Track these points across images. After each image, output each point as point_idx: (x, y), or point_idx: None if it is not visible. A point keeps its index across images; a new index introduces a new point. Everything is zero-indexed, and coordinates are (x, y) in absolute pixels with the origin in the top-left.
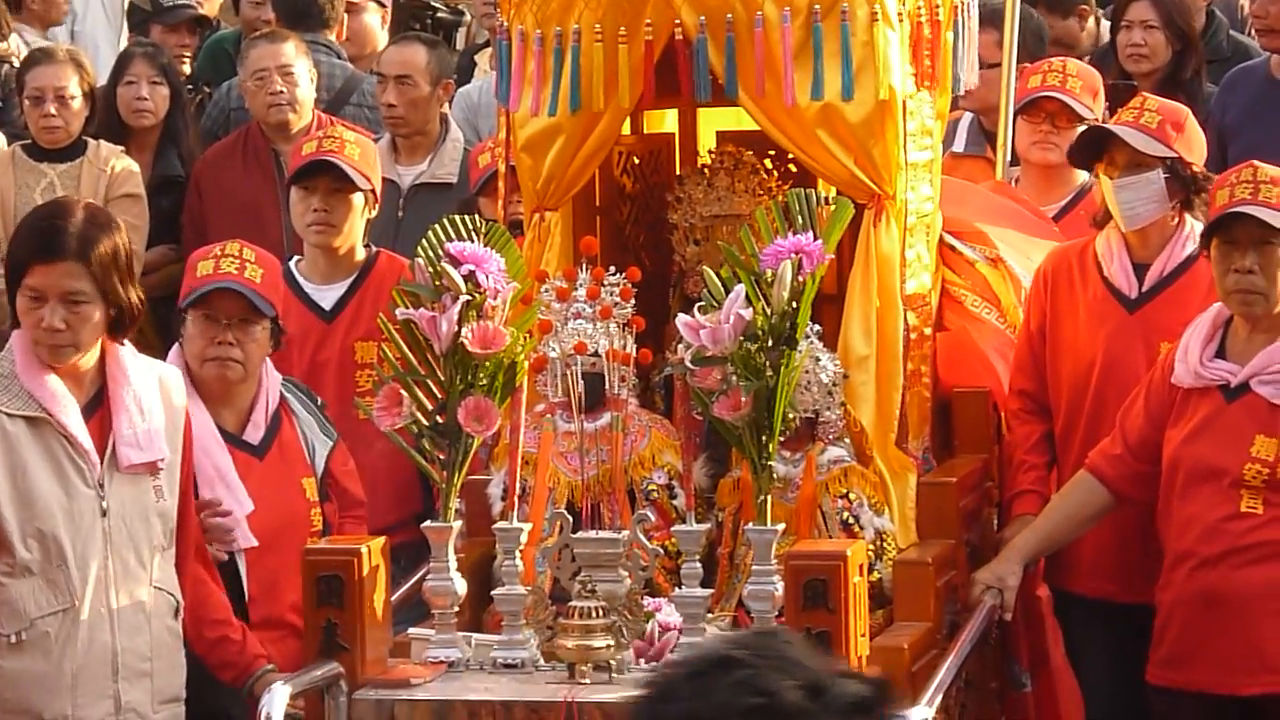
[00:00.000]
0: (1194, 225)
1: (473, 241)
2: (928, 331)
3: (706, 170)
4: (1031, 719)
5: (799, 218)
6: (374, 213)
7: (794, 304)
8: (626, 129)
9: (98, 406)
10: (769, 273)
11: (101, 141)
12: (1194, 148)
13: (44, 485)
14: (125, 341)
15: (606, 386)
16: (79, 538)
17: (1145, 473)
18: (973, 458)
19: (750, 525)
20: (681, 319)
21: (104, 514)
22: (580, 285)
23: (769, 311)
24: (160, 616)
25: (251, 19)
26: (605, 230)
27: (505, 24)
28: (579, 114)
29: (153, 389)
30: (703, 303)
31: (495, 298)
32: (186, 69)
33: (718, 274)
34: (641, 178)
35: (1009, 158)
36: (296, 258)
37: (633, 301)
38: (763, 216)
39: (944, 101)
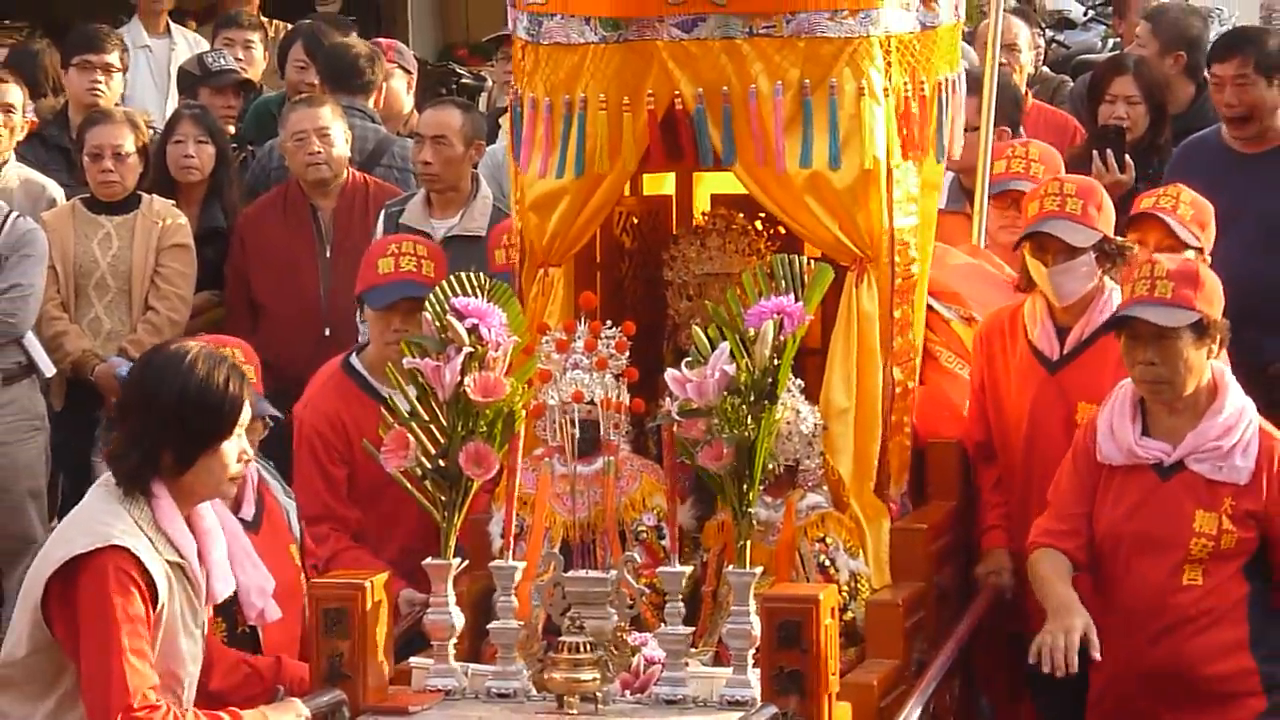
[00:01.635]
0: (1113, 290)
1: (477, 297)
2: (910, 385)
3: (699, 231)
4: None
5: (783, 280)
6: None
7: (775, 361)
8: (627, 191)
9: None
10: (752, 331)
11: (154, 196)
12: (1110, 220)
13: (180, 629)
14: None
15: (601, 433)
16: (190, 670)
17: (1085, 543)
18: (944, 504)
19: (730, 568)
20: (670, 373)
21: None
22: (579, 338)
23: (751, 368)
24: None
25: (296, 82)
26: (605, 285)
27: (519, 91)
28: (583, 177)
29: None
30: (690, 358)
31: (496, 350)
32: (231, 129)
33: (705, 331)
34: (640, 237)
35: (984, 221)
36: (357, 353)
37: (627, 354)
38: (748, 279)
39: (932, 170)
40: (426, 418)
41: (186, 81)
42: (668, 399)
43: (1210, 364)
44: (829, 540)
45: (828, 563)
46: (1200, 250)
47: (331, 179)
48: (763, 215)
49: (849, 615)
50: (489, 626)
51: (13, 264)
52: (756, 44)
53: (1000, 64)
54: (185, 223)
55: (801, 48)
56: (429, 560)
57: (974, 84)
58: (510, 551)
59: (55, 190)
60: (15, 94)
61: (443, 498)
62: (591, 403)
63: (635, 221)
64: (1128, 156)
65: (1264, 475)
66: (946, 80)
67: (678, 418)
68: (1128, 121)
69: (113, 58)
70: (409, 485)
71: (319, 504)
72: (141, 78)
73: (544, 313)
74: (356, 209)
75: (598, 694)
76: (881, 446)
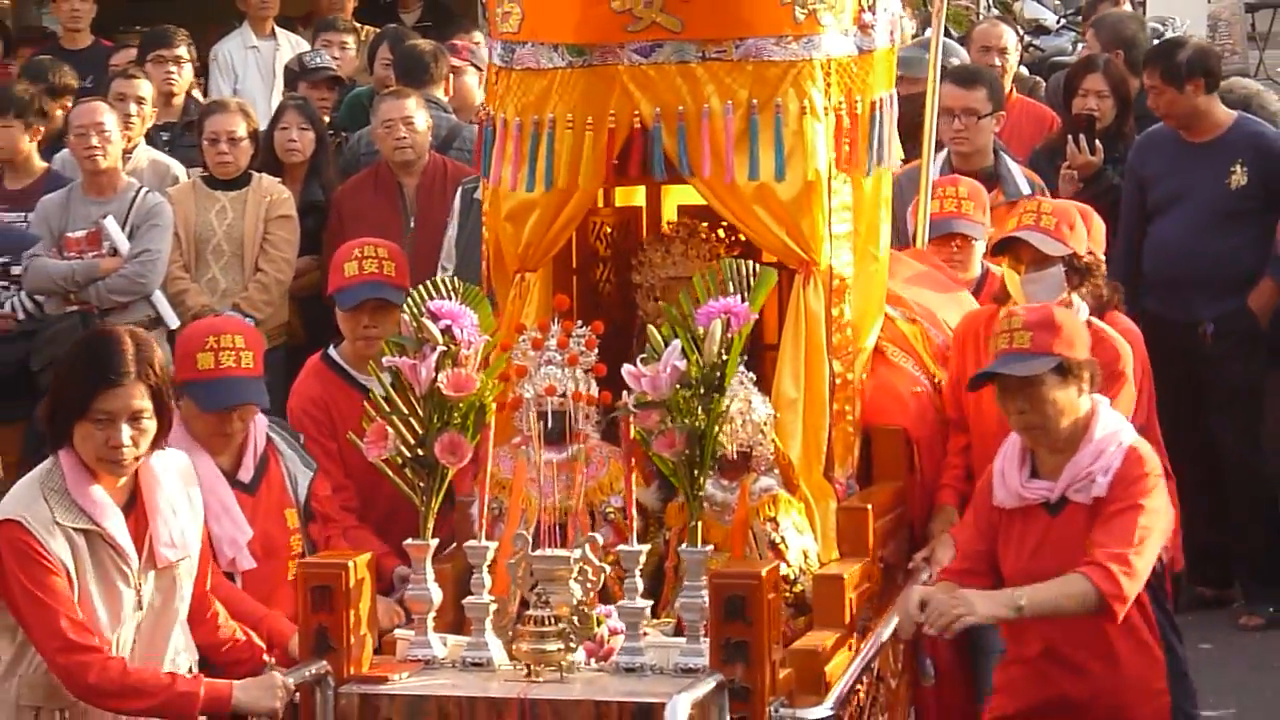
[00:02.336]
0: (1079, 304)
1: (451, 300)
2: (850, 377)
3: (665, 238)
4: (932, 709)
5: (731, 283)
6: None
7: (723, 357)
8: (601, 202)
9: (132, 508)
10: (702, 330)
11: (263, 174)
12: (1082, 240)
13: (93, 588)
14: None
15: (572, 423)
16: (117, 628)
17: (988, 583)
18: (888, 485)
19: (683, 546)
20: (626, 368)
21: (139, 607)
22: (552, 336)
23: (701, 363)
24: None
25: (382, 77)
26: (580, 288)
27: (491, 112)
28: (552, 191)
29: (176, 485)
30: (645, 355)
31: (468, 348)
32: (326, 118)
33: (660, 330)
34: (613, 244)
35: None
36: (334, 346)
37: (596, 350)
38: (699, 282)
39: (867, 181)
40: (406, 411)
41: (289, 77)
42: (624, 393)
43: (1091, 398)
44: (779, 519)
45: (778, 540)
46: (1075, 254)
47: (415, 160)
48: (724, 224)
49: (799, 588)
50: (464, 601)
51: (143, 232)
52: (709, 67)
53: (990, 64)
54: (289, 197)
55: (750, 70)
56: (409, 541)
57: (971, 76)
58: (482, 533)
59: (178, 169)
60: (146, 88)
61: (421, 484)
62: (564, 395)
63: (609, 230)
64: (1098, 141)
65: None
66: (881, 99)
67: (633, 410)
68: (1098, 112)
69: (181, 50)
70: (389, 472)
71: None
72: (250, 75)
73: (521, 314)
74: (436, 186)
75: (562, 663)
76: (829, 430)
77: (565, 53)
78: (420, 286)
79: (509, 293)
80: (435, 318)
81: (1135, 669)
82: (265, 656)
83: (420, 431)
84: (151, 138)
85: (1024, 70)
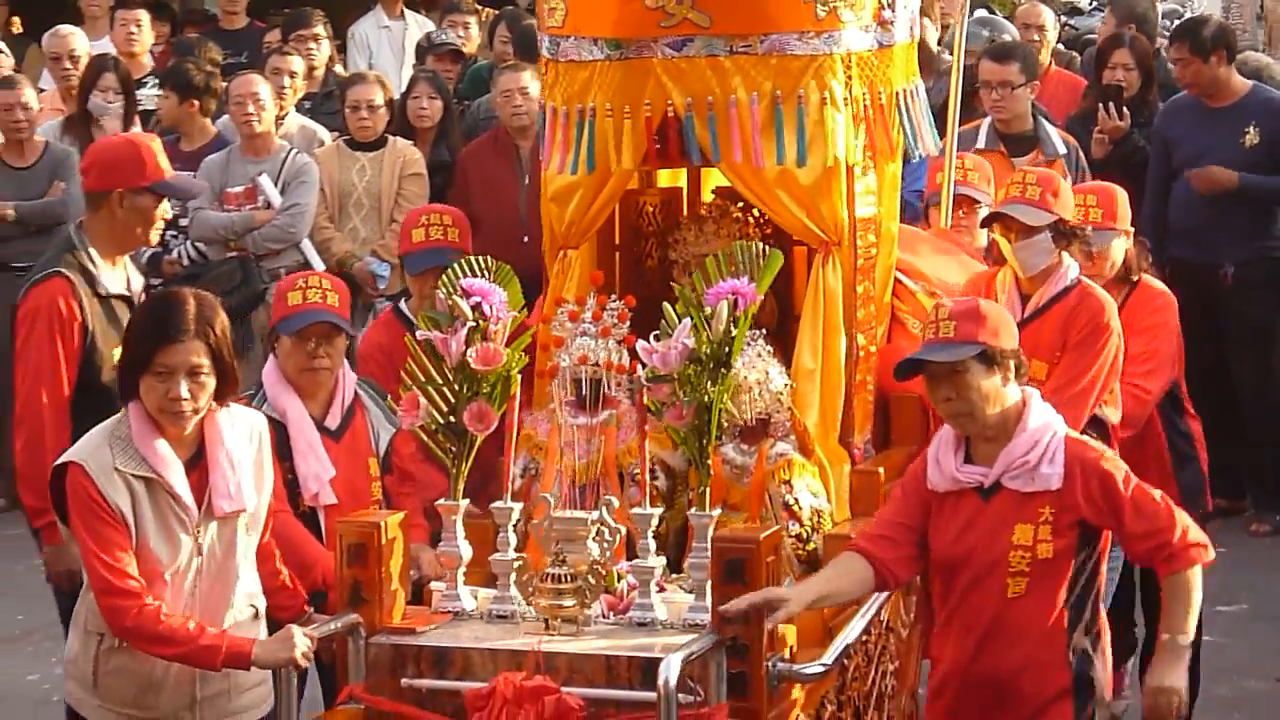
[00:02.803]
0: (1069, 263)
1: (483, 278)
2: (873, 349)
3: (699, 218)
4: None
5: (740, 265)
6: None
7: (730, 334)
8: (643, 183)
9: (198, 462)
10: (709, 309)
11: (397, 138)
12: (1067, 205)
13: (152, 533)
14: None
15: (605, 390)
16: (176, 573)
17: (904, 555)
18: (904, 449)
19: (692, 510)
20: (640, 344)
21: (200, 553)
22: (588, 309)
23: (710, 340)
24: (241, 628)
25: (501, 53)
26: (624, 263)
27: (544, 101)
28: (593, 174)
29: (243, 442)
30: (659, 331)
31: (496, 324)
32: (451, 88)
33: (675, 308)
34: (655, 222)
35: (950, 205)
36: (405, 300)
37: (628, 323)
38: (710, 264)
39: (890, 167)
40: (440, 381)
41: (419, 53)
42: (639, 367)
43: (1022, 389)
44: (794, 482)
45: (792, 501)
46: (1060, 219)
47: (529, 125)
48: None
49: (811, 546)
50: (490, 558)
51: (293, 188)
52: (736, 61)
53: (1031, 40)
54: (420, 158)
55: (774, 64)
56: (440, 501)
57: (1006, 52)
58: (508, 494)
59: (324, 133)
60: (297, 63)
61: (452, 449)
62: (596, 364)
63: (651, 209)
64: (1125, 109)
65: (1076, 481)
66: (905, 90)
67: (646, 383)
68: (1125, 83)
69: (318, 29)
70: (424, 437)
71: None
72: (383, 51)
73: (563, 288)
74: None
75: (578, 618)
76: (846, 401)
77: (604, 46)
78: (453, 265)
79: (553, 267)
80: (467, 295)
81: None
82: (305, 606)
83: (452, 400)
84: (297, 106)
85: (1061, 46)
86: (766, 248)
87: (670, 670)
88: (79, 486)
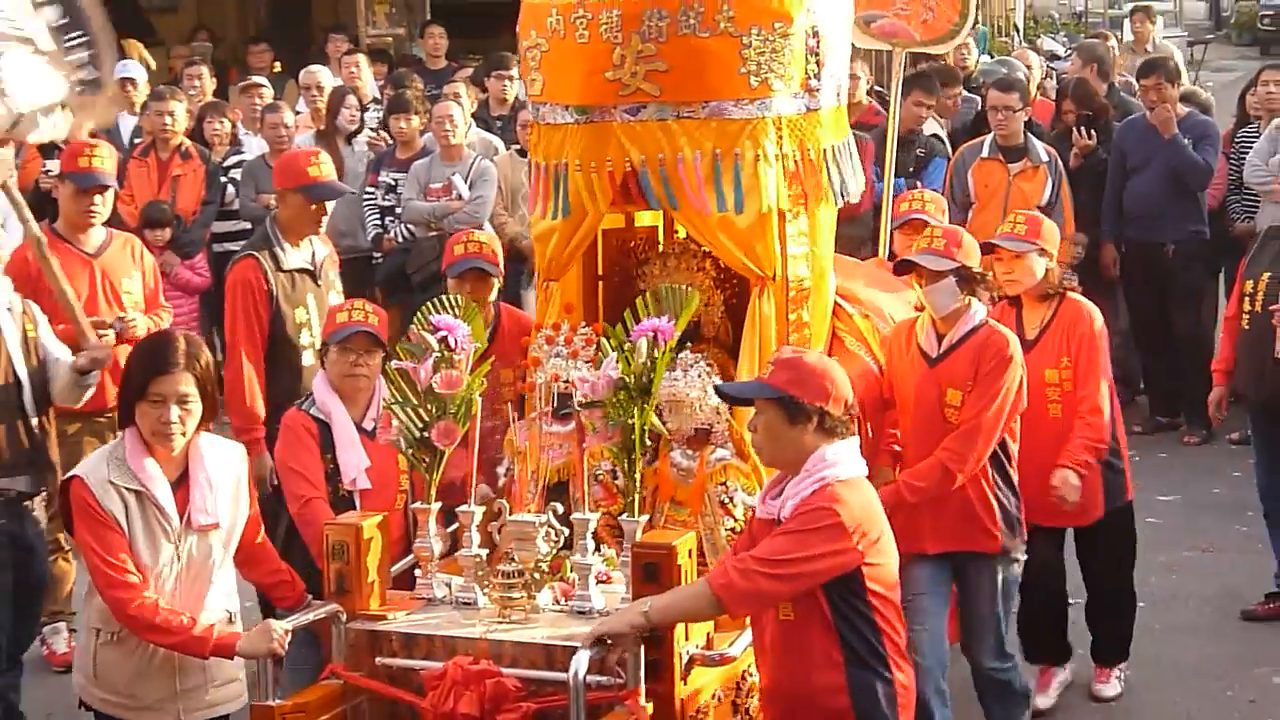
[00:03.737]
0: (978, 307)
1: (452, 315)
2: None
3: (663, 254)
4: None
5: (666, 304)
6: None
7: (651, 366)
8: (623, 222)
9: (183, 482)
10: (630, 345)
11: None
12: (971, 255)
13: (140, 539)
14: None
15: (573, 403)
16: (159, 575)
17: None
18: None
19: (623, 516)
20: (575, 374)
21: (179, 560)
22: (561, 334)
23: (633, 371)
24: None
25: None
26: (607, 291)
27: (530, 157)
28: (569, 219)
29: (222, 467)
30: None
31: (459, 354)
32: None
33: (609, 342)
34: (633, 255)
35: (889, 236)
36: None
37: (595, 346)
38: (640, 303)
39: (822, 211)
40: (416, 402)
41: None
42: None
43: (820, 443)
44: (729, 483)
45: (727, 500)
46: (963, 266)
47: None
48: None
49: None
50: (457, 554)
51: (477, 185)
52: (682, 124)
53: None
54: None
55: (714, 126)
56: (416, 504)
57: (1009, 85)
58: (473, 499)
59: (499, 143)
60: (463, 93)
61: (425, 460)
62: (566, 381)
63: (631, 244)
64: (1093, 131)
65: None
66: (833, 146)
67: (579, 409)
68: (1077, 118)
69: (512, 70)
70: (403, 447)
71: None
72: None
73: (545, 315)
74: None
75: (526, 606)
76: None
77: (573, 112)
78: (428, 303)
79: (540, 296)
80: (435, 330)
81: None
82: (304, 595)
83: (424, 420)
84: (489, 124)
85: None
86: (688, 288)
87: (580, 664)
88: (80, 497)
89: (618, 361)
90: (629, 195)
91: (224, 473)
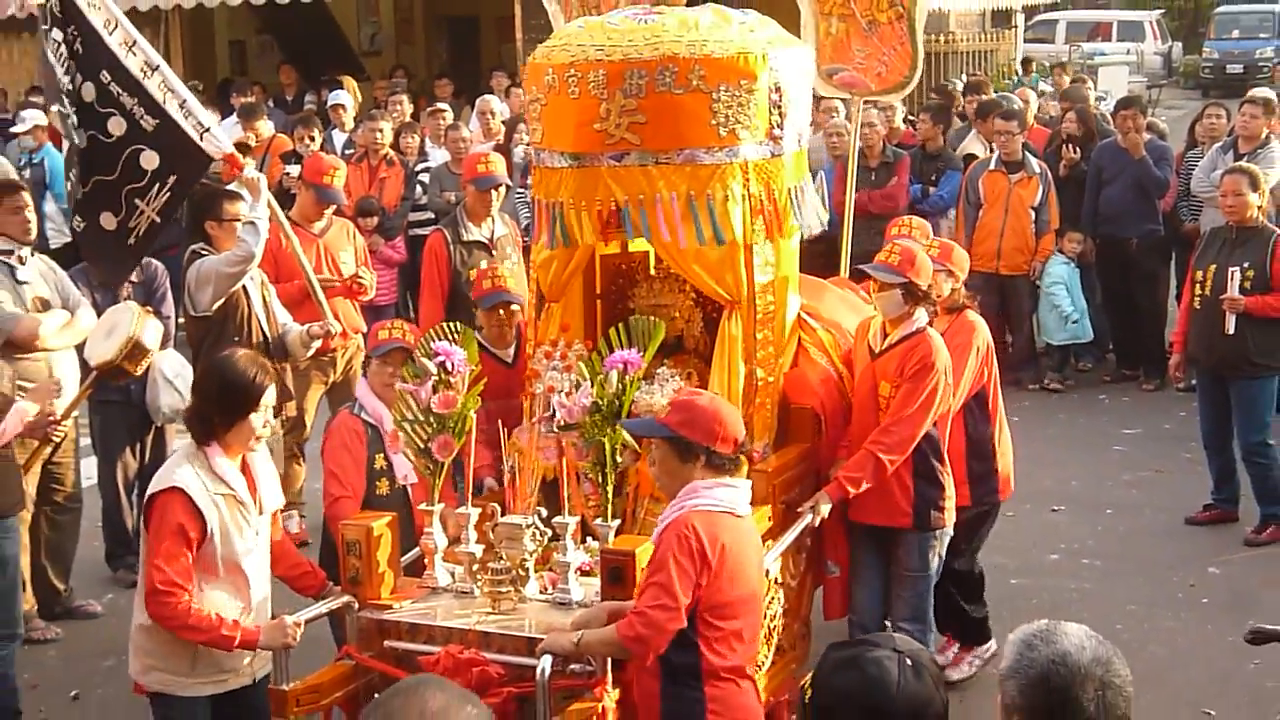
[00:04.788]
0: (920, 315)
1: (450, 341)
2: (771, 380)
3: (650, 278)
4: (836, 594)
5: (636, 334)
6: None
7: (620, 394)
8: (617, 249)
9: (244, 473)
10: (604, 374)
11: None
12: (922, 274)
13: (232, 533)
14: None
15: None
16: (249, 556)
17: None
18: (796, 446)
19: (598, 520)
20: (555, 399)
21: (256, 543)
22: (558, 350)
23: (605, 397)
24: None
25: None
26: (604, 310)
27: (532, 195)
28: (562, 249)
29: (264, 459)
30: (574, 384)
31: (455, 376)
32: None
33: (586, 369)
34: (626, 278)
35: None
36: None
37: (585, 361)
38: (613, 333)
39: (785, 243)
40: (421, 419)
41: None
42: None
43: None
44: None
45: None
46: (909, 281)
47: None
48: None
49: None
50: (455, 549)
51: None
52: (660, 169)
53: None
54: None
55: (688, 171)
56: (422, 505)
57: (1011, 114)
58: (469, 502)
59: None
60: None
61: (429, 468)
62: (560, 392)
63: (624, 268)
64: (1078, 149)
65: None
66: (795, 187)
67: (558, 430)
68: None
69: None
70: (411, 459)
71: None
72: None
73: (545, 332)
74: None
75: (514, 598)
76: (747, 417)
77: (567, 157)
78: (431, 330)
79: (540, 316)
80: (434, 355)
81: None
82: (326, 583)
83: (426, 434)
84: None
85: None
86: (654, 320)
87: (546, 667)
88: (171, 507)
89: (593, 388)
90: (616, 229)
91: (267, 463)
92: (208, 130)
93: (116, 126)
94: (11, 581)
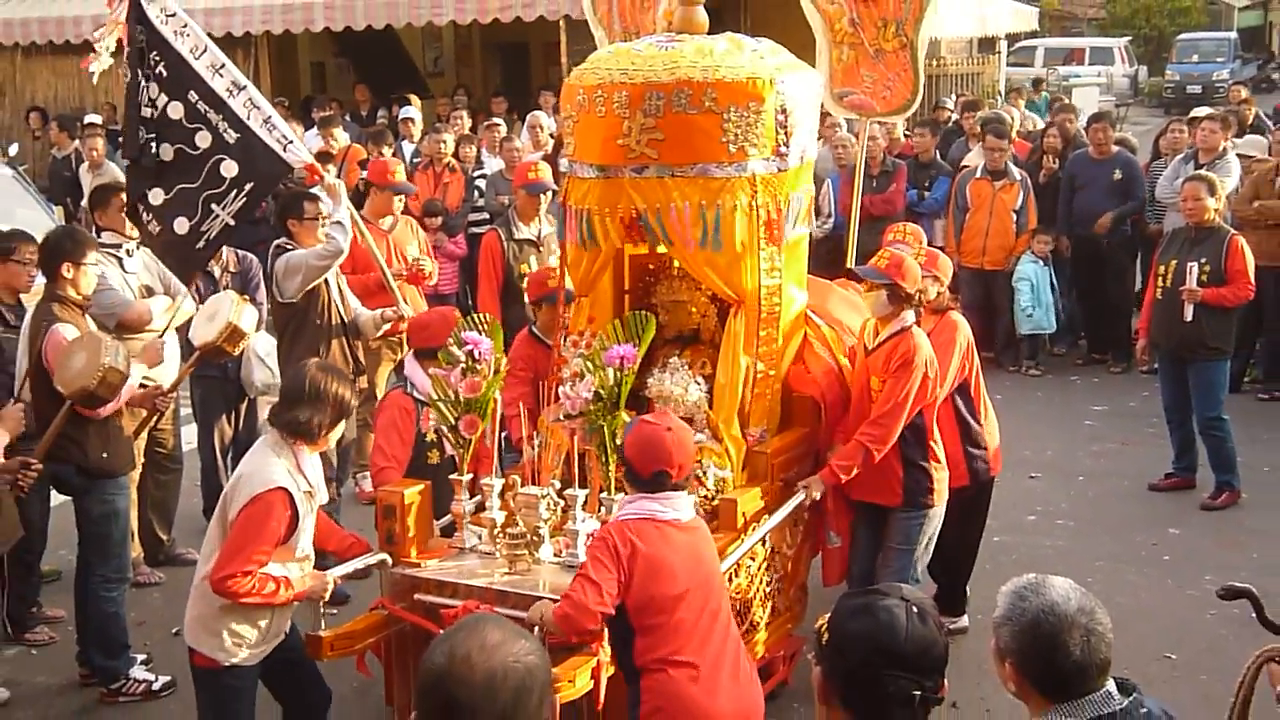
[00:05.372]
0: (906, 315)
1: (479, 331)
2: (772, 373)
3: (670, 275)
4: (834, 562)
5: (631, 330)
6: None
7: (618, 386)
8: (645, 250)
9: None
10: (605, 369)
11: None
12: (910, 279)
13: (305, 523)
14: None
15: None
16: (304, 538)
17: None
18: (796, 431)
19: (602, 493)
20: (561, 390)
21: (310, 521)
22: (584, 340)
23: (604, 388)
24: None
25: None
26: (631, 303)
27: (564, 201)
28: (592, 250)
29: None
30: (578, 372)
31: (481, 363)
32: None
33: (586, 364)
34: (652, 276)
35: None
36: (533, 325)
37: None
38: (612, 329)
39: (788, 249)
40: (452, 400)
41: None
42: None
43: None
44: (703, 461)
45: (701, 474)
46: (895, 284)
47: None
48: None
49: (714, 503)
50: (480, 515)
51: None
52: (675, 181)
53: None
54: None
55: (700, 183)
56: (453, 475)
57: (1001, 132)
58: (494, 471)
59: None
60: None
61: (459, 443)
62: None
63: (651, 267)
64: (1056, 160)
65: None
66: (798, 197)
67: (562, 419)
68: (1050, 154)
69: None
70: (446, 434)
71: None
72: None
73: (576, 324)
74: None
75: (529, 559)
76: (744, 404)
77: (594, 169)
78: (461, 320)
79: (572, 310)
80: (462, 344)
81: None
82: (369, 547)
83: (455, 415)
84: None
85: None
86: (647, 315)
87: (544, 612)
88: (275, 509)
89: (594, 379)
90: (643, 232)
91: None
92: (291, 142)
93: (203, 140)
94: (122, 532)
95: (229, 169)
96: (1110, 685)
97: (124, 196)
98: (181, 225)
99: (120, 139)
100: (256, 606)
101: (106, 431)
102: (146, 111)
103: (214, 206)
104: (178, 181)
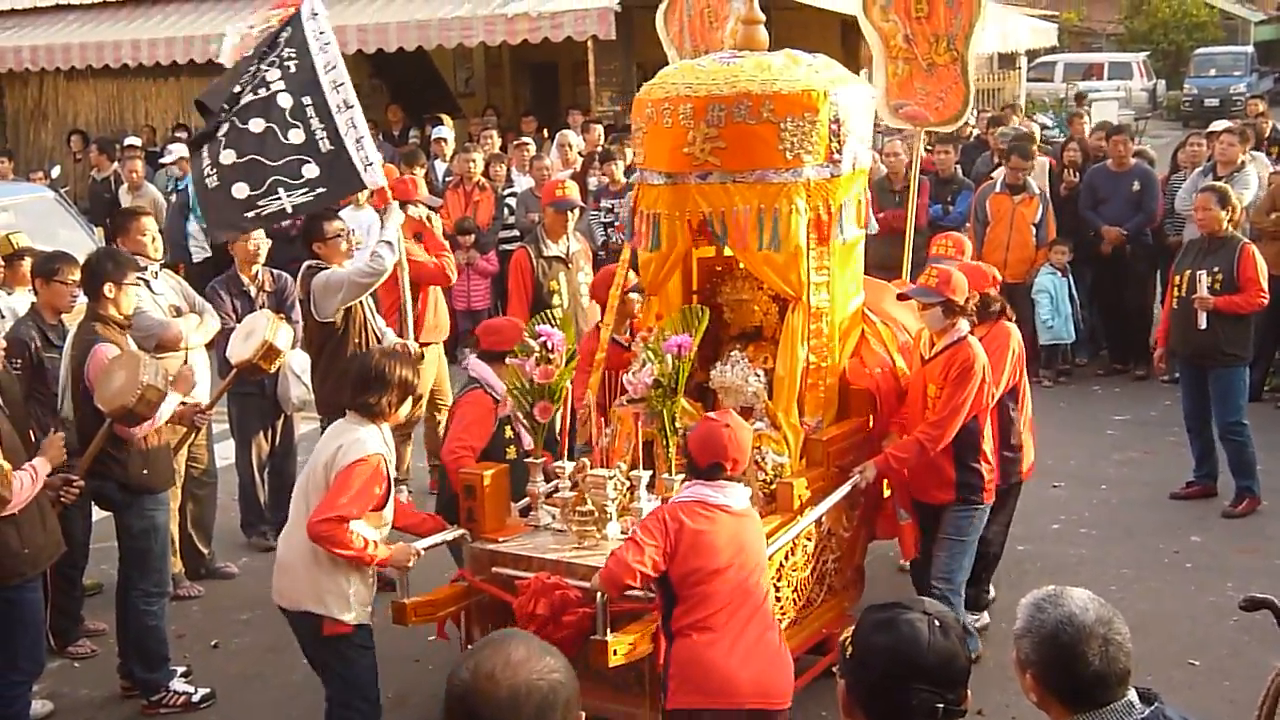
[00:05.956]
0: (962, 325)
1: (551, 324)
2: (824, 365)
3: (734, 275)
4: (909, 537)
5: (687, 322)
6: None
7: (676, 373)
8: (711, 252)
9: None
10: (665, 357)
11: None
12: (959, 291)
13: (392, 491)
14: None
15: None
16: (389, 510)
17: None
18: (852, 421)
19: (664, 474)
20: (626, 378)
21: None
22: (653, 335)
23: (664, 375)
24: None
25: None
26: (699, 301)
27: (635, 205)
28: (661, 251)
29: None
30: (641, 362)
31: (553, 353)
32: None
33: (647, 351)
34: (718, 276)
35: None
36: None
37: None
38: (669, 322)
39: (840, 250)
40: (528, 387)
41: None
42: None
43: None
44: (762, 447)
45: (760, 459)
46: (948, 299)
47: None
48: None
49: (772, 488)
50: (553, 496)
51: None
52: (736, 186)
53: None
54: None
55: (759, 188)
56: (528, 459)
57: (1026, 152)
58: (565, 455)
59: None
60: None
61: (534, 427)
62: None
63: (718, 268)
64: (1078, 174)
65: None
66: (844, 202)
67: (626, 404)
68: (1070, 169)
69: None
70: (521, 418)
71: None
72: None
73: (645, 321)
74: None
75: (597, 536)
76: (800, 394)
77: (662, 175)
78: (537, 315)
79: (644, 307)
80: (537, 335)
81: None
82: (445, 524)
83: (530, 400)
84: None
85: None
86: (703, 308)
87: (598, 583)
88: (377, 469)
89: (654, 367)
90: (703, 236)
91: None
92: (371, 165)
93: (296, 136)
94: (162, 547)
95: (310, 170)
96: (1132, 695)
97: (143, 221)
98: (241, 190)
99: (197, 101)
100: (355, 566)
101: (146, 448)
102: (251, 90)
103: (280, 190)
104: (256, 154)
